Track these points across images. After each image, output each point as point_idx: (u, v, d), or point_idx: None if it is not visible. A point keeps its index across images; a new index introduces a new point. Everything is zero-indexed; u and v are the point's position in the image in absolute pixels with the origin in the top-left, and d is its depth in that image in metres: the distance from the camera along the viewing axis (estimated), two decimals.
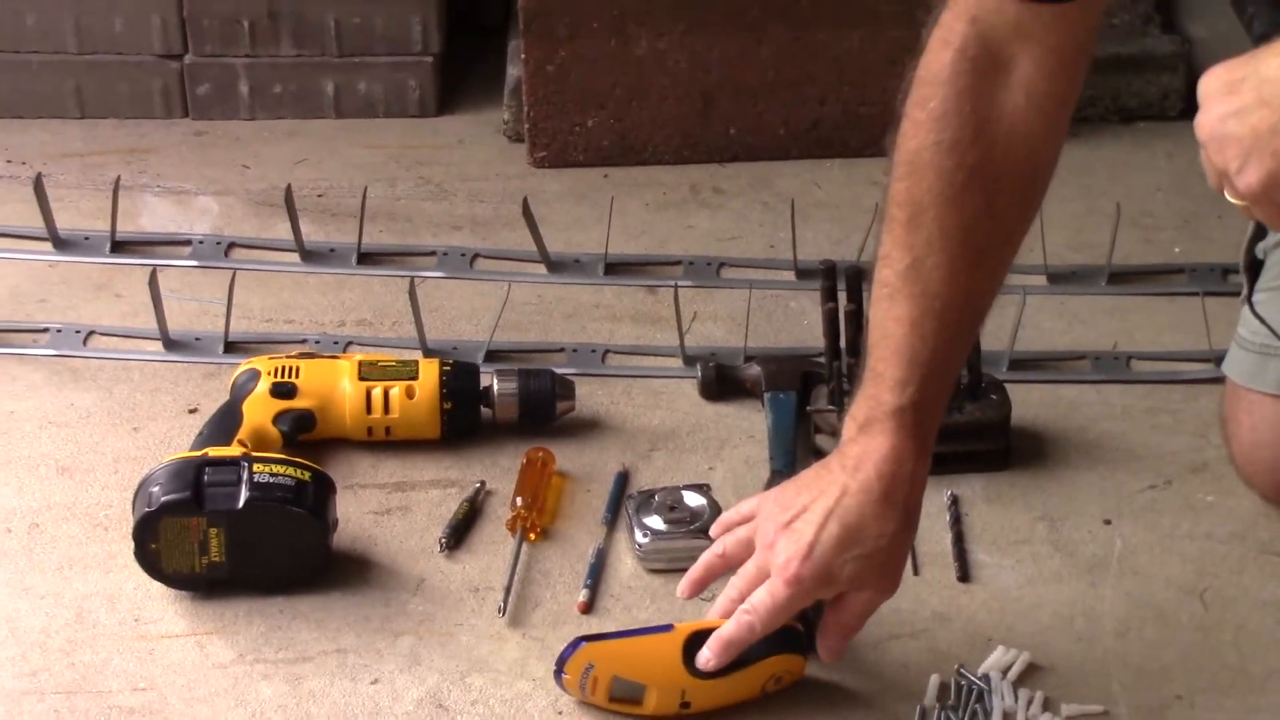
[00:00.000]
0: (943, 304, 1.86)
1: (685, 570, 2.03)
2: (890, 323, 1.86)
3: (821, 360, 2.22)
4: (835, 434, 2.15)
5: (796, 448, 2.22)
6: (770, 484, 2.16)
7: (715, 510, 2.11)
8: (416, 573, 2.09)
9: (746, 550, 1.88)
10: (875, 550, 1.83)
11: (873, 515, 1.82)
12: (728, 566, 1.90)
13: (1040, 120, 1.87)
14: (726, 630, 1.82)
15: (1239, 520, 2.15)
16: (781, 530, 1.83)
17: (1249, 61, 1.58)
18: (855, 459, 1.84)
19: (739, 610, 1.82)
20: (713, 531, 1.95)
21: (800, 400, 2.26)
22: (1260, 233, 2.13)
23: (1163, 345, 2.37)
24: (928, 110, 1.85)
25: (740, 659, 1.91)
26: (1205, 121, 1.58)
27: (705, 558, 1.92)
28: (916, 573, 2.10)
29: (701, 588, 1.92)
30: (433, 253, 2.56)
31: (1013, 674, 1.96)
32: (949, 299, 1.86)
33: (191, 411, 2.27)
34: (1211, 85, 1.59)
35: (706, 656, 1.83)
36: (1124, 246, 2.47)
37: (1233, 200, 1.59)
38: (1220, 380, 2.17)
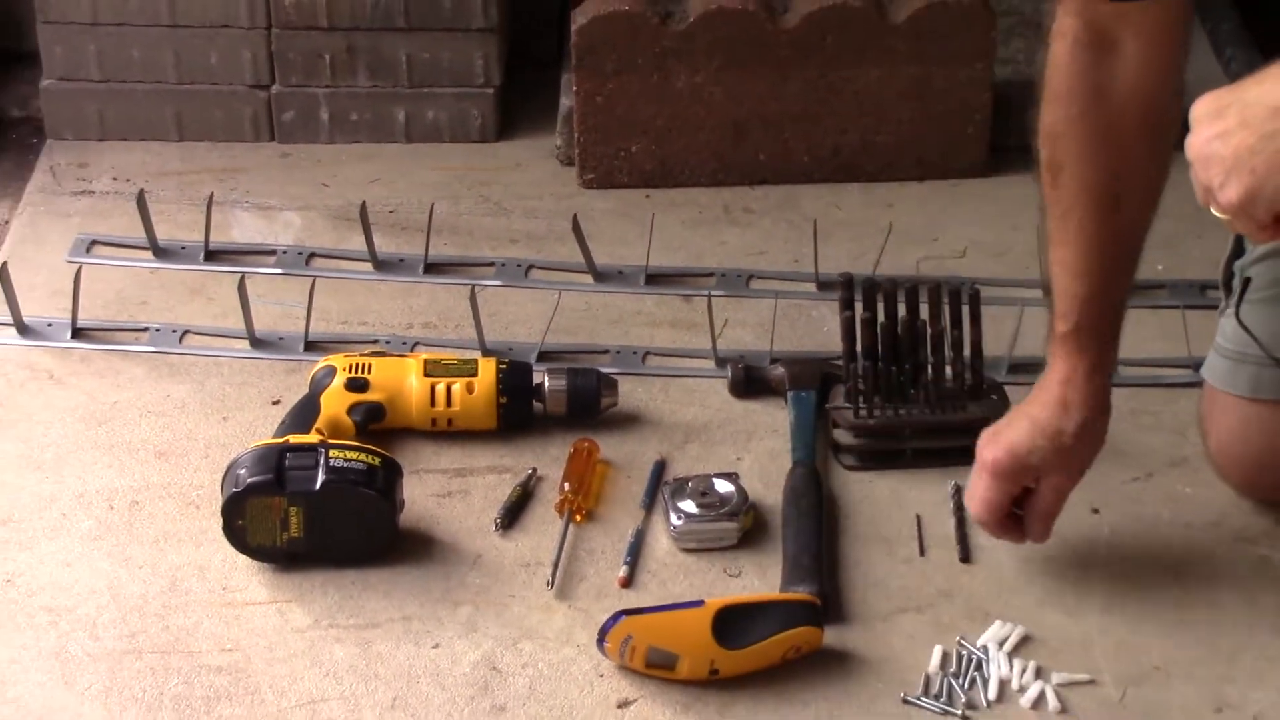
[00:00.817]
0: (1090, 245, 1.92)
1: (716, 550, 2.08)
2: (1054, 266, 1.95)
3: (839, 363, 2.22)
4: (850, 428, 2.21)
5: (815, 440, 2.21)
6: (792, 474, 2.16)
7: (743, 496, 2.11)
8: (474, 549, 2.09)
9: None
10: (1058, 444, 1.93)
11: (1053, 416, 1.93)
12: None
13: (1153, 82, 1.91)
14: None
15: (1214, 510, 2.15)
16: (988, 436, 1.98)
17: (1234, 90, 1.59)
18: (1042, 379, 1.97)
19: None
20: None
21: (820, 398, 2.25)
22: (1238, 251, 2.12)
23: (1147, 353, 2.36)
24: (1053, 91, 1.91)
25: (761, 633, 1.91)
26: (1194, 142, 1.58)
27: None
28: (922, 554, 2.10)
29: None
30: (491, 264, 2.55)
31: (1008, 645, 1.96)
32: (1096, 241, 1.92)
33: (274, 403, 2.27)
34: (1200, 110, 1.60)
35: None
36: None
37: (1217, 214, 1.59)
38: (1197, 384, 2.17)
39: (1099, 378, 1.93)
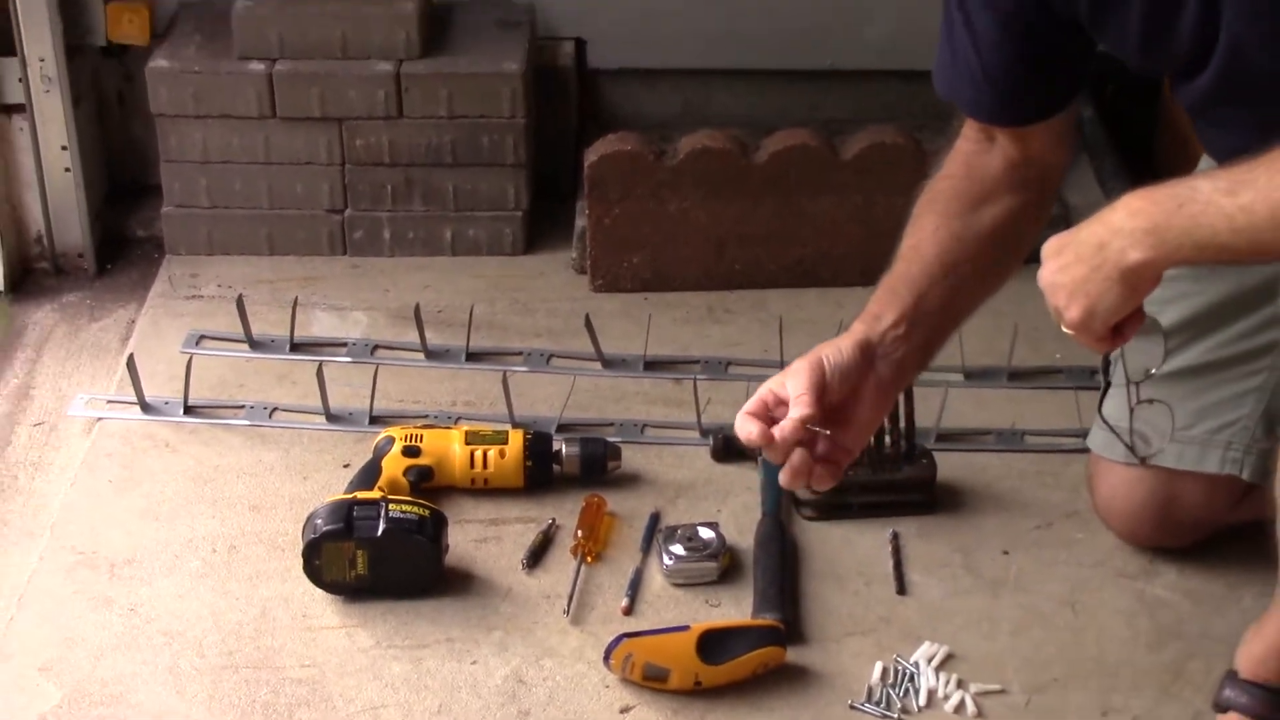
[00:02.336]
0: (922, 273, 1.81)
1: (699, 585, 2.09)
2: (892, 275, 1.81)
3: None
4: (814, 495, 2.19)
5: (780, 497, 2.21)
6: (761, 523, 2.16)
7: (721, 541, 2.11)
8: (505, 585, 2.11)
9: None
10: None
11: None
12: None
13: (1013, 176, 1.87)
14: None
15: (1100, 552, 2.15)
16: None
17: (1072, 231, 1.61)
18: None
19: None
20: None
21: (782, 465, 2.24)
22: (1106, 366, 2.08)
23: (1047, 425, 2.36)
24: (943, 166, 1.90)
25: (736, 651, 1.92)
26: (1043, 275, 1.60)
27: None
28: (901, 590, 2.10)
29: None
30: (520, 353, 2.55)
31: (935, 661, 1.98)
32: (931, 268, 1.82)
33: (345, 466, 2.27)
34: (1047, 249, 1.62)
35: None
36: (1019, 354, 2.46)
37: (1066, 331, 1.62)
38: (1086, 451, 2.18)
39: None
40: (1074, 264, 1.58)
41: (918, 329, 1.77)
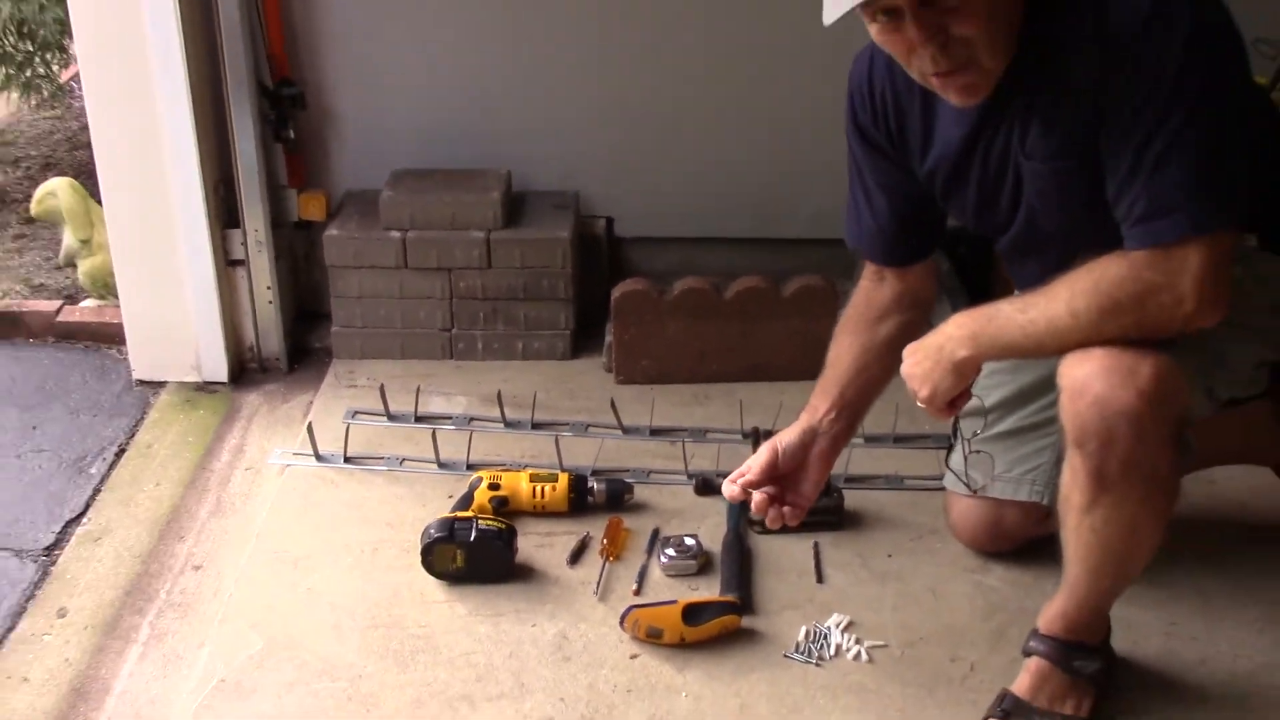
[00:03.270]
0: (842, 375, 1.90)
1: (684, 576, 2.11)
2: (823, 378, 1.91)
3: None
4: (759, 521, 2.16)
5: (739, 518, 2.22)
6: (725, 540, 2.17)
7: (700, 547, 2.14)
8: (555, 575, 2.12)
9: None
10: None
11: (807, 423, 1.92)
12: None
13: (899, 303, 1.93)
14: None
15: (952, 555, 2.17)
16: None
17: (922, 339, 1.70)
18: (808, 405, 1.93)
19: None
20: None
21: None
22: (959, 431, 2.11)
23: (919, 472, 2.37)
24: (851, 299, 1.96)
25: (708, 618, 1.95)
26: (903, 368, 1.69)
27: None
28: (820, 580, 2.11)
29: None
30: (567, 424, 2.55)
31: (841, 626, 2.01)
32: (848, 371, 1.91)
33: (450, 497, 2.27)
34: (906, 351, 1.71)
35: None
36: (901, 424, 2.45)
37: (919, 404, 1.70)
38: (943, 488, 2.19)
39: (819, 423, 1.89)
40: (923, 360, 1.67)
41: (844, 414, 1.89)
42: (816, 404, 1.90)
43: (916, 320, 1.89)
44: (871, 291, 1.94)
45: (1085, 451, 1.59)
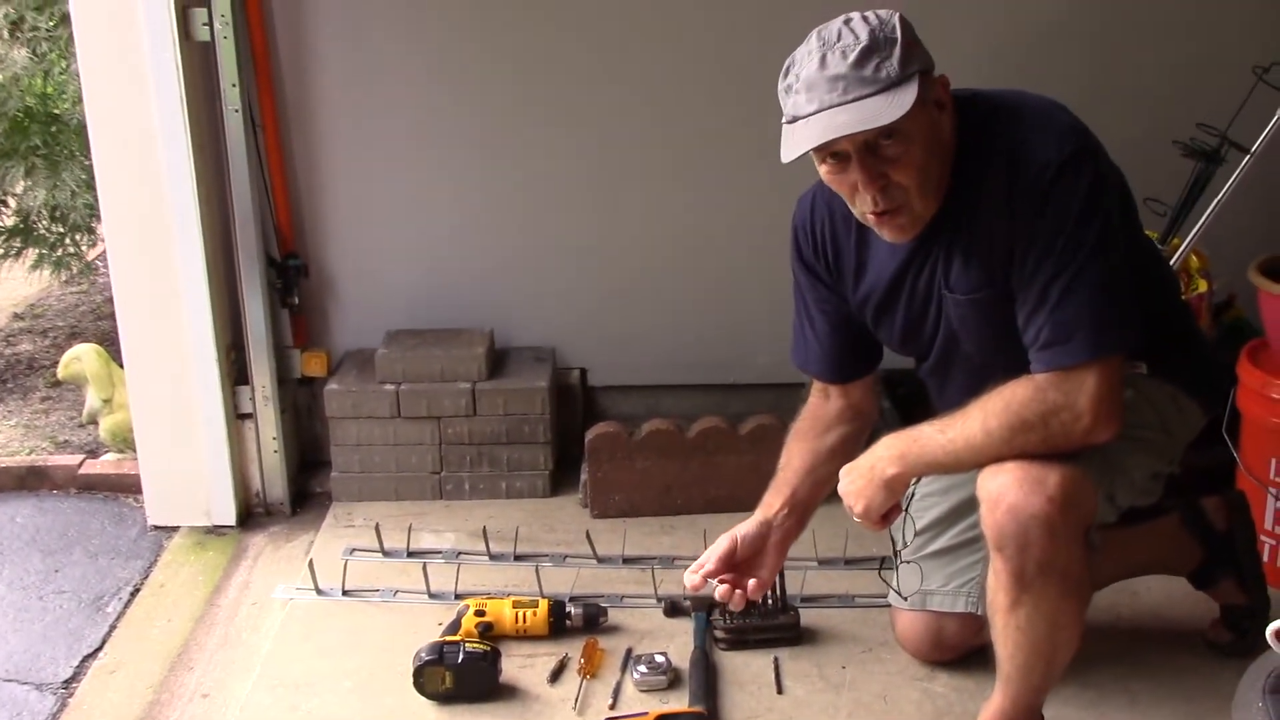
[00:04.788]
0: (793, 476, 1.94)
1: (656, 690, 2.10)
2: (777, 479, 1.96)
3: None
4: (721, 630, 2.21)
5: (704, 637, 2.23)
6: (693, 656, 2.17)
7: (669, 663, 2.13)
8: (536, 692, 2.12)
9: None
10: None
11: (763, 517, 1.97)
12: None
13: (841, 416, 1.98)
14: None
15: (902, 664, 2.16)
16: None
17: (856, 460, 1.75)
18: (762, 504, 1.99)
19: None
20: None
21: (707, 616, 2.26)
22: (894, 539, 2.12)
23: (868, 591, 2.35)
24: (800, 414, 2.00)
25: None
26: (840, 487, 1.74)
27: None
28: (780, 691, 2.10)
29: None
30: (547, 555, 2.55)
31: None
32: (799, 473, 1.95)
33: (439, 624, 2.25)
34: (842, 472, 1.76)
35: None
36: (851, 548, 2.47)
37: (855, 519, 1.74)
38: (889, 605, 2.20)
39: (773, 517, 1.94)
40: (857, 479, 1.72)
41: (795, 510, 1.94)
42: (770, 501, 1.95)
43: (859, 431, 1.95)
44: (818, 406, 2.00)
45: (1005, 555, 1.64)
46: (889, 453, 1.71)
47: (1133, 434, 1.72)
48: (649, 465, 2.71)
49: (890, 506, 1.72)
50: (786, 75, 1.61)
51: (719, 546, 1.90)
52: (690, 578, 1.88)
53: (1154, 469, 1.83)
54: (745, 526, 1.92)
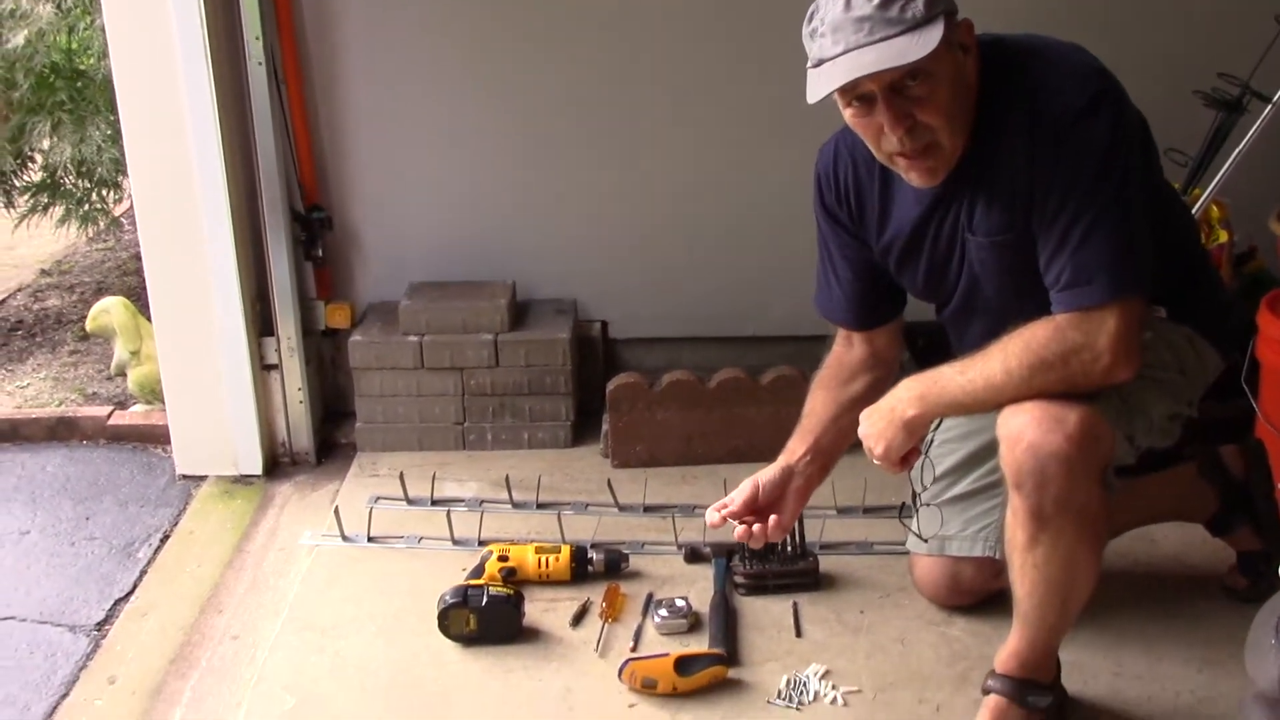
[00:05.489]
0: (817, 424, 1.95)
1: (677, 634, 2.11)
2: (800, 426, 1.97)
3: (735, 544, 2.19)
4: (740, 575, 2.22)
5: (724, 581, 2.22)
6: (713, 601, 2.15)
7: (689, 607, 2.15)
8: (559, 635, 2.13)
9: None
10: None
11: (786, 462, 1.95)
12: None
13: (864, 365, 1.99)
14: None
15: (919, 609, 2.17)
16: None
17: (876, 404, 1.76)
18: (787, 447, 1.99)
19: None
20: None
21: (726, 562, 2.27)
22: (914, 484, 2.12)
23: (887, 539, 2.37)
24: (824, 362, 2.01)
25: (697, 669, 1.96)
26: (860, 429, 1.74)
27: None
28: (799, 634, 2.11)
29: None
30: (569, 504, 2.57)
31: (819, 675, 2.03)
32: (823, 420, 1.96)
33: (463, 570, 2.26)
34: (863, 415, 1.76)
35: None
36: (869, 497, 2.47)
37: (875, 461, 1.75)
38: (908, 552, 2.21)
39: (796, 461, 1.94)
40: (877, 421, 1.73)
41: (818, 457, 1.94)
42: (794, 447, 1.96)
43: (883, 378, 1.94)
44: (842, 354, 2.01)
45: (1023, 493, 1.64)
46: (909, 394, 1.71)
47: (1151, 375, 1.72)
48: (669, 416, 2.69)
49: (910, 448, 1.73)
50: (811, 20, 1.60)
51: (742, 490, 1.91)
52: (712, 515, 1.89)
53: (1172, 410, 1.83)
54: (768, 472, 1.93)
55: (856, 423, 1.83)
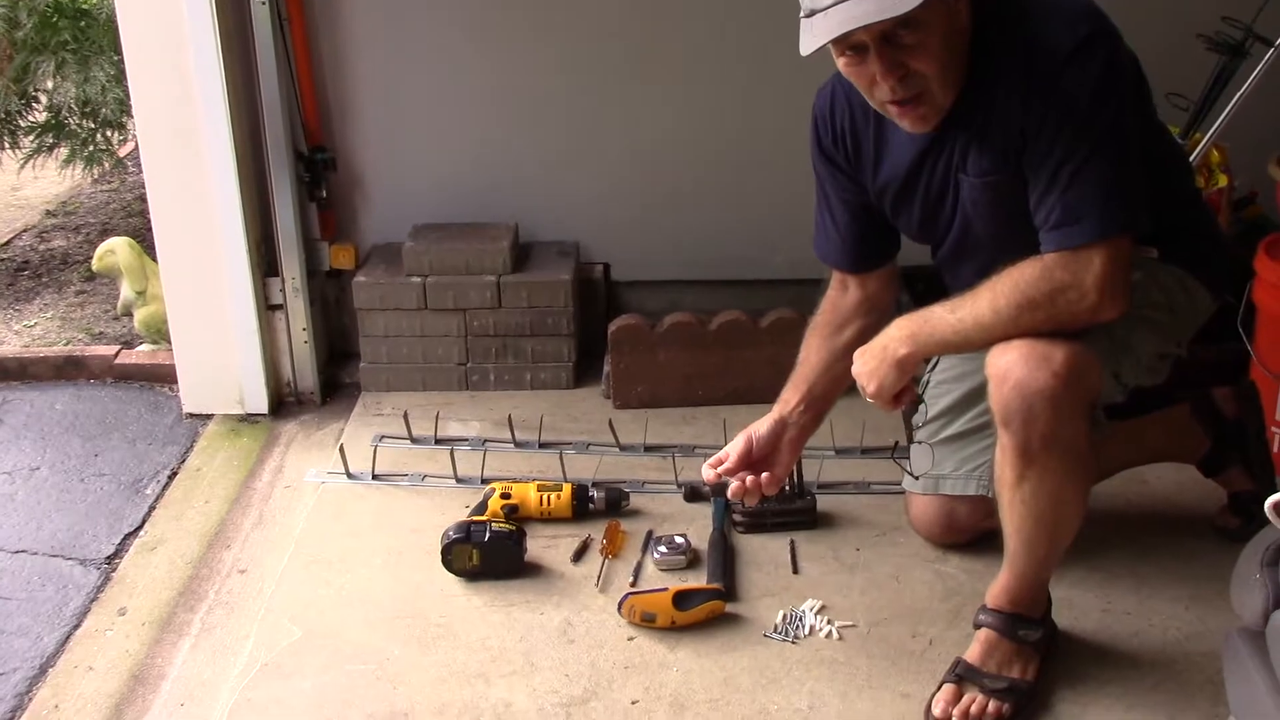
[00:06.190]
0: (810, 372, 1.97)
1: (675, 570, 2.14)
2: (794, 375, 1.98)
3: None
4: (739, 513, 2.24)
5: (723, 519, 2.24)
6: (711, 538, 2.22)
7: (689, 544, 2.18)
8: (560, 571, 2.16)
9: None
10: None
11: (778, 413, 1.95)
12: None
13: (859, 309, 1.99)
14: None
15: (913, 547, 2.20)
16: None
17: (869, 343, 1.77)
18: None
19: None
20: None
21: (726, 502, 2.26)
22: (908, 424, 2.18)
23: (883, 479, 2.37)
24: (819, 306, 2.02)
25: (695, 603, 1.99)
26: (853, 369, 1.76)
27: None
28: (796, 571, 2.13)
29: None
30: (571, 443, 2.59)
31: (814, 609, 2.06)
32: (816, 369, 1.97)
33: (466, 507, 2.30)
34: (856, 354, 1.77)
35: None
36: (867, 438, 2.50)
37: (868, 400, 1.77)
38: (903, 491, 2.20)
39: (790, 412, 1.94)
40: (870, 360, 1.75)
41: (812, 406, 1.96)
42: (788, 397, 1.97)
43: (877, 324, 1.93)
44: (837, 299, 2.02)
45: (1010, 430, 1.67)
46: (900, 333, 1.73)
47: (1140, 314, 1.73)
48: (670, 357, 2.70)
49: (902, 387, 1.75)
50: None
51: (735, 445, 1.92)
52: (707, 472, 1.91)
53: (1160, 349, 1.84)
54: (761, 425, 1.95)
55: (849, 370, 1.84)
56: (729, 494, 1.91)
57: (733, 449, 1.92)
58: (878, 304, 2.00)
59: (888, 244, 1.99)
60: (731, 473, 1.90)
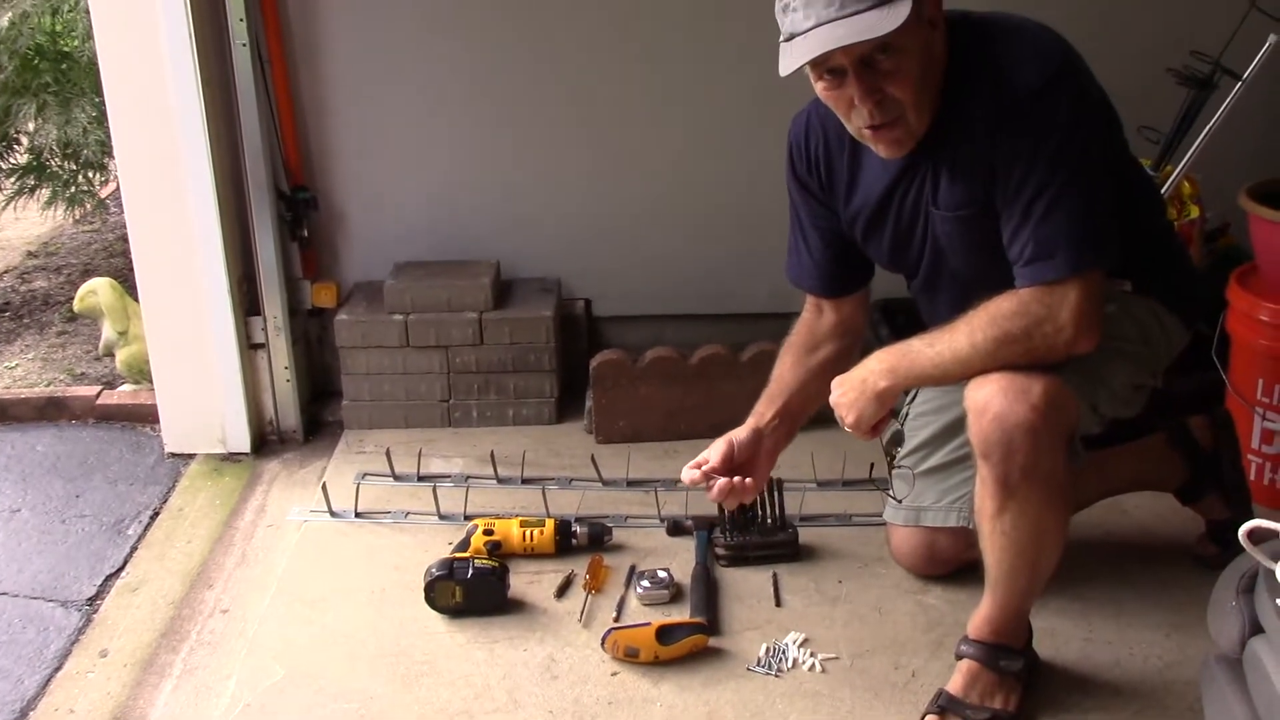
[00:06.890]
0: (785, 388, 1.98)
1: (659, 605, 2.14)
2: (769, 390, 2.00)
3: (716, 516, 2.28)
4: (722, 547, 2.24)
5: (706, 553, 2.25)
6: (694, 571, 2.20)
7: (671, 579, 2.18)
8: (543, 607, 2.15)
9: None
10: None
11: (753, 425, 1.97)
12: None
13: (832, 332, 2.01)
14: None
15: (896, 578, 2.20)
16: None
17: (848, 373, 1.79)
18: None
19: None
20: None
21: (708, 534, 2.30)
22: (890, 454, 2.17)
23: (865, 511, 2.42)
24: (793, 328, 2.03)
25: (679, 638, 1.99)
26: (832, 398, 1.77)
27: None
28: (779, 604, 2.14)
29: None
30: (553, 478, 2.59)
31: (797, 643, 2.06)
32: (790, 386, 1.98)
33: (449, 544, 2.29)
34: (834, 384, 1.78)
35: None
36: (848, 470, 2.50)
37: (846, 429, 1.78)
38: (885, 523, 2.23)
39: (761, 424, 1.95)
40: (849, 391, 1.76)
41: (785, 420, 1.97)
42: (762, 410, 1.99)
43: (849, 347, 1.98)
44: (811, 322, 2.04)
45: (991, 462, 1.68)
46: (880, 365, 1.74)
47: (1114, 346, 1.75)
48: (652, 392, 2.70)
49: (880, 418, 1.76)
50: None
51: (717, 447, 1.93)
52: (689, 473, 1.91)
53: (1135, 380, 1.86)
54: (740, 433, 1.95)
55: (823, 390, 1.85)
56: (710, 495, 1.90)
57: (714, 452, 1.93)
58: (851, 327, 2.02)
59: (861, 271, 2.01)
60: (715, 473, 1.89)
